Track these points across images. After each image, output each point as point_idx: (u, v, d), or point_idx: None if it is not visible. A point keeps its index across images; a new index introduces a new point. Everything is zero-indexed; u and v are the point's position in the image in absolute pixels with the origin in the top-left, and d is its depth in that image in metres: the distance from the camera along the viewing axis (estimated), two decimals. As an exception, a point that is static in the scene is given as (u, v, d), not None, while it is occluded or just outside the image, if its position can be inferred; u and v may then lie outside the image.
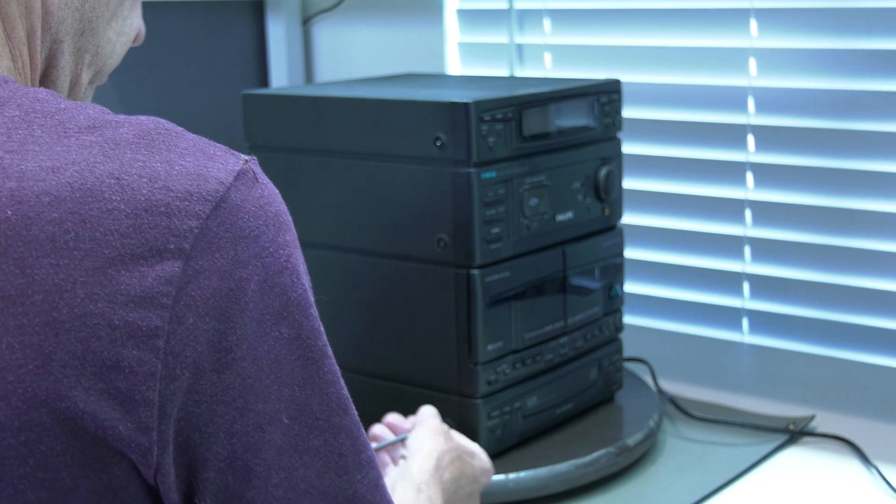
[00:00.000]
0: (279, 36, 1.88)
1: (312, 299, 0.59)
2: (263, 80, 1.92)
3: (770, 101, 1.49)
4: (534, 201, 1.08)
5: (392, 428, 1.00)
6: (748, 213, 1.53)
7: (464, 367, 1.06)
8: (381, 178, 1.09)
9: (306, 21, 1.91)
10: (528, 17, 1.68)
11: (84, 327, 0.51)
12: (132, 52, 1.91)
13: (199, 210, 0.53)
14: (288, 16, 1.87)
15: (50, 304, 0.50)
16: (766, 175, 1.51)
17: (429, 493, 0.85)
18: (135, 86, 1.73)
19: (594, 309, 1.18)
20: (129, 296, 0.51)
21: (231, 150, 0.57)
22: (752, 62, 1.50)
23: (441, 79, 1.43)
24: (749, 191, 1.52)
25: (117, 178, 0.52)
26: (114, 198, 0.52)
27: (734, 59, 1.51)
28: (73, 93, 0.68)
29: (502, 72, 1.69)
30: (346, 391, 0.59)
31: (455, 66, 1.76)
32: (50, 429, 0.51)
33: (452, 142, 1.02)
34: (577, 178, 1.13)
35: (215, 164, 0.55)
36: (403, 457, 0.92)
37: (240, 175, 0.55)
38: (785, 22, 1.47)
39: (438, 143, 1.02)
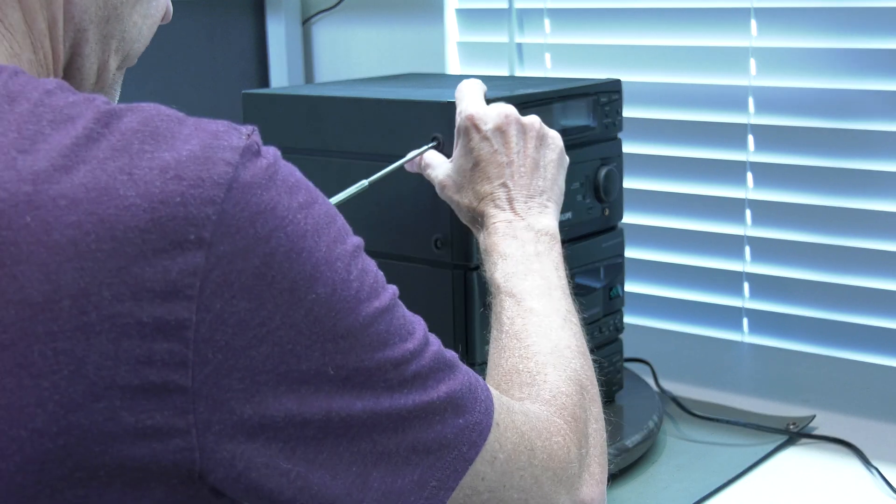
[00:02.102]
0: (279, 36, 1.88)
1: (346, 242, 0.59)
2: (263, 80, 1.92)
3: (770, 101, 1.49)
4: None
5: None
6: (748, 213, 1.53)
7: None
8: (380, 180, 1.09)
9: (306, 21, 1.91)
10: (528, 17, 1.68)
11: (114, 328, 0.51)
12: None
13: (214, 195, 0.53)
14: (288, 16, 1.87)
15: (78, 308, 0.50)
16: (766, 175, 1.51)
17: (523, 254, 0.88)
18: (135, 86, 1.72)
19: (594, 310, 1.17)
20: (155, 292, 0.51)
21: (232, 125, 0.57)
22: (752, 62, 1.50)
23: (441, 78, 1.43)
24: (749, 191, 1.52)
25: (129, 174, 0.52)
26: (128, 194, 0.52)
27: (734, 59, 1.51)
28: (100, 79, 0.68)
29: (502, 72, 1.69)
30: (388, 316, 0.60)
31: (455, 66, 1.76)
32: (88, 430, 0.51)
33: (450, 141, 1.02)
34: (577, 179, 1.13)
35: (220, 143, 0.55)
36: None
37: (245, 151, 0.55)
38: (785, 22, 1.47)
39: (436, 143, 1.02)
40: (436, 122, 1.03)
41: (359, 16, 1.85)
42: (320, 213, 0.58)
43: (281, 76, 1.89)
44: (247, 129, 0.57)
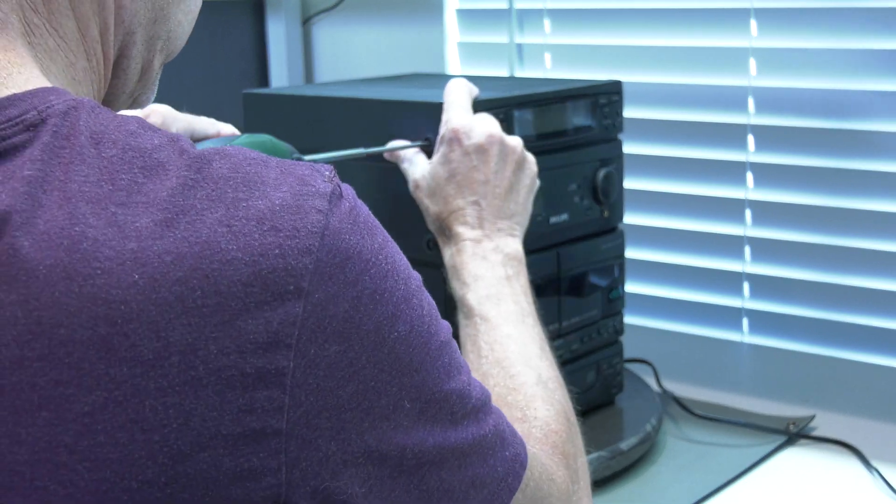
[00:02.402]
0: (279, 36, 1.88)
1: (415, 277, 0.61)
2: (263, 80, 1.92)
3: (770, 101, 1.49)
4: None
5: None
6: (748, 213, 1.53)
7: None
8: (373, 178, 1.09)
9: (306, 21, 1.91)
10: (528, 17, 1.68)
11: (219, 381, 0.51)
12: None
13: (310, 245, 0.53)
14: (288, 16, 1.88)
15: (186, 363, 0.51)
16: (766, 175, 1.51)
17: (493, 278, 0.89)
18: (135, 86, 1.73)
19: (592, 311, 1.17)
20: (258, 343, 0.52)
21: (313, 166, 0.57)
22: (752, 62, 1.50)
23: (441, 79, 1.43)
24: (749, 191, 1.52)
25: (228, 226, 0.53)
26: (230, 247, 0.52)
27: (734, 59, 1.51)
28: (144, 78, 0.68)
29: (502, 72, 1.69)
30: (449, 349, 0.62)
31: (455, 66, 1.76)
32: (193, 478, 0.52)
33: None
34: (574, 180, 1.13)
35: (308, 188, 0.55)
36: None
37: (332, 197, 0.56)
38: (785, 22, 1.47)
39: (427, 143, 1.02)
40: (428, 123, 1.02)
41: (359, 16, 1.85)
42: (394, 252, 0.60)
43: (281, 76, 1.89)
44: (327, 169, 0.58)
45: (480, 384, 0.65)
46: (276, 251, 0.52)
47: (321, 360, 0.54)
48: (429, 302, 0.62)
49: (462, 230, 0.93)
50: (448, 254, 0.94)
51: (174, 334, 0.51)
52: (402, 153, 1.01)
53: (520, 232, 0.96)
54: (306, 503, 0.55)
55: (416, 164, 0.99)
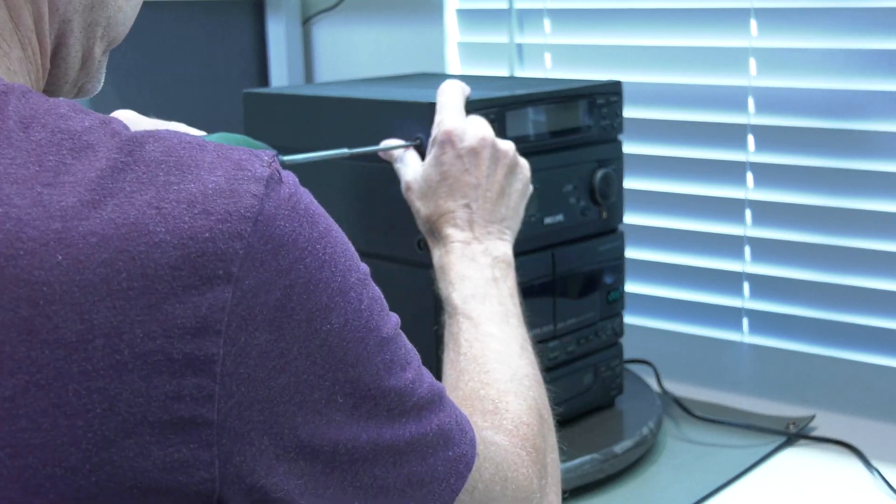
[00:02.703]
0: (279, 36, 1.88)
1: (358, 269, 0.60)
2: (263, 79, 1.92)
3: (770, 101, 1.49)
4: None
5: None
6: (748, 213, 1.53)
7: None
8: (366, 178, 1.08)
9: (306, 21, 1.91)
10: (528, 17, 1.68)
11: (145, 366, 0.51)
12: (132, 52, 1.92)
13: (241, 229, 0.52)
14: (288, 16, 1.87)
15: (111, 347, 0.50)
16: (766, 175, 1.51)
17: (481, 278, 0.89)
18: (135, 86, 1.73)
19: (589, 313, 1.17)
20: (185, 328, 0.51)
21: (252, 152, 0.56)
22: (752, 62, 1.50)
23: (443, 79, 1.43)
24: (749, 191, 1.52)
25: (157, 208, 0.52)
26: (158, 230, 0.51)
27: (734, 59, 1.51)
28: (86, 66, 0.67)
29: (502, 72, 1.69)
30: (393, 345, 0.61)
31: (455, 66, 1.76)
32: (119, 466, 0.51)
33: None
34: (570, 181, 1.12)
35: (244, 173, 0.54)
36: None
37: (269, 181, 0.54)
38: (785, 22, 1.47)
39: (417, 142, 1.01)
40: (420, 123, 1.01)
41: (359, 16, 1.85)
42: (336, 242, 0.58)
43: (281, 76, 1.89)
44: (267, 155, 0.56)
45: (432, 382, 0.64)
46: (206, 235, 0.51)
47: (252, 348, 0.53)
48: (371, 296, 0.60)
49: (452, 232, 0.93)
50: (437, 255, 0.94)
51: (98, 317, 0.50)
52: (395, 153, 1.01)
53: (510, 236, 0.95)
54: (242, 500, 0.54)
55: (408, 165, 0.99)
